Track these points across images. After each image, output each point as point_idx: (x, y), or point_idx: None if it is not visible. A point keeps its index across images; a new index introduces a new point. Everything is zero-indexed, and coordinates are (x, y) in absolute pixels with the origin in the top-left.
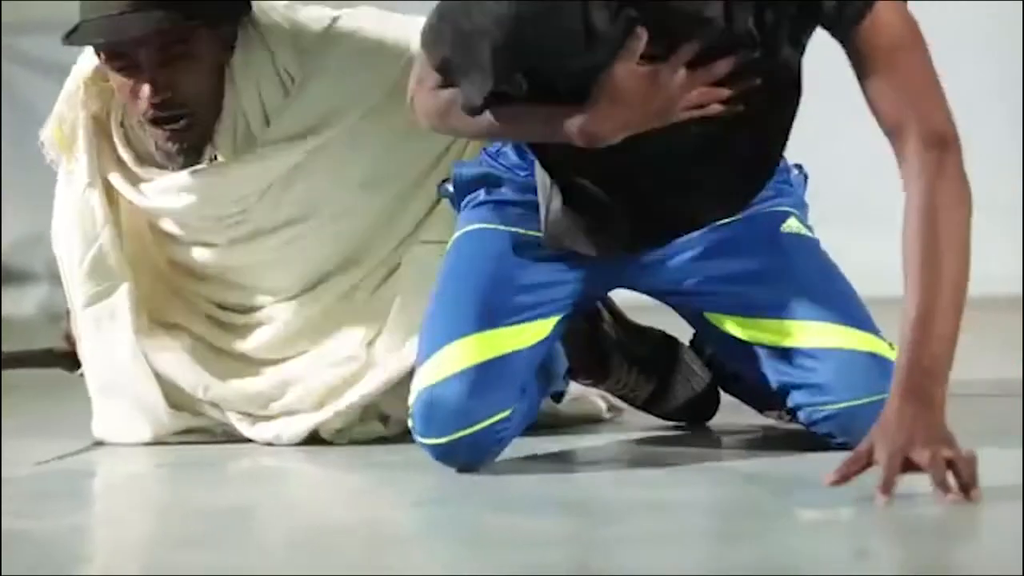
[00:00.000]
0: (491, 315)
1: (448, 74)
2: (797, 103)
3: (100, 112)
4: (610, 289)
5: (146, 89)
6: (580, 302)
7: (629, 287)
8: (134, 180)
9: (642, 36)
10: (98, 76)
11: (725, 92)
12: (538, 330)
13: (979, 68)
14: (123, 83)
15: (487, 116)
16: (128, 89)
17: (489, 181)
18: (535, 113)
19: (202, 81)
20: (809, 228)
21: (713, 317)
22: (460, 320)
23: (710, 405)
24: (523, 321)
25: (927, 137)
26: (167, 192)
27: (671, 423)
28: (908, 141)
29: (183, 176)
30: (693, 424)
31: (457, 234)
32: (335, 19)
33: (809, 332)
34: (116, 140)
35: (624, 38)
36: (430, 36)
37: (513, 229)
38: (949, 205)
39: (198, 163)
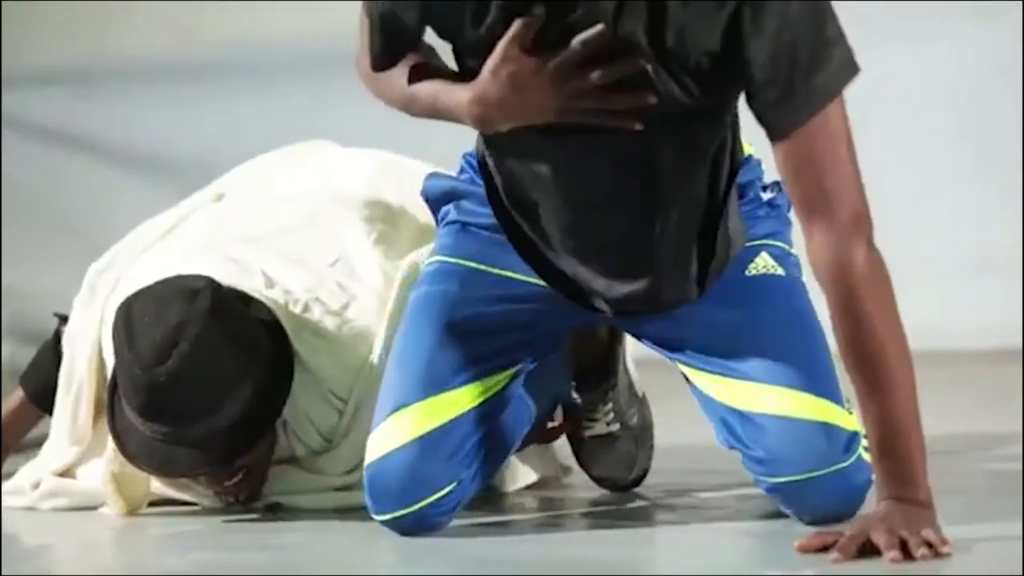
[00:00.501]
0: (436, 380)
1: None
2: (718, 153)
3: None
4: (572, 326)
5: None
6: (541, 344)
7: (593, 322)
8: None
9: (530, 23)
10: None
11: (620, 101)
12: (490, 386)
13: (978, 116)
14: None
15: (402, 84)
16: None
17: (455, 195)
18: (439, 85)
19: (261, 451)
20: (785, 256)
21: (679, 364)
22: (405, 388)
23: (630, 482)
24: (472, 380)
25: (841, 221)
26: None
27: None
28: (819, 222)
29: None
30: (607, 485)
31: (426, 264)
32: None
33: (759, 396)
34: None
35: (510, 21)
36: None
37: (473, 264)
38: (871, 289)
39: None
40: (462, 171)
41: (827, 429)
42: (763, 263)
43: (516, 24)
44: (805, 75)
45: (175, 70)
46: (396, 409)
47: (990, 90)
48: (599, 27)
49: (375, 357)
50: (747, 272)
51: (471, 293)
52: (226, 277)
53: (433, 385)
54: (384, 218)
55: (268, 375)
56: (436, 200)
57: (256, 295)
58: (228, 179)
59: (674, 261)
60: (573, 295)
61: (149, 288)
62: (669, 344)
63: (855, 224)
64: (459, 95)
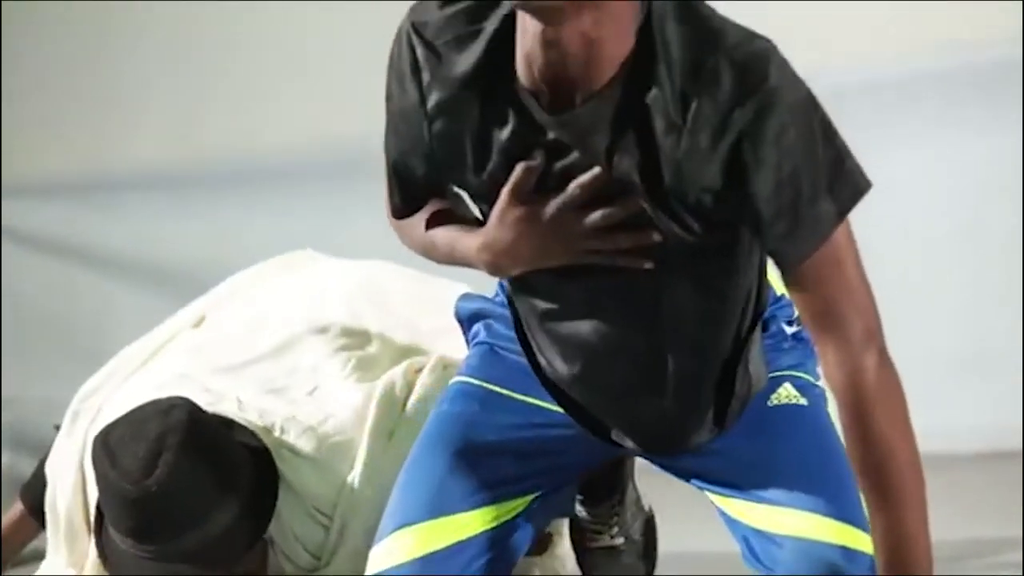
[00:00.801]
0: (446, 502)
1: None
2: (745, 300)
3: None
4: (600, 458)
5: None
6: (562, 473)
7: (617, 455)
8: None
9: (531, 169)
10: None
11: (624, 240)
12: (506, 511)
13: (978, 212)
14: None
15: (421, 232)
16: None
17: (485, 316)
18: (454, 232)
19: (257, 563)
20: (809, 387)
21: (699, 485)
22: (411, 507)
23: None
24: (486, 504)
25: (852, 336)
26: None
27: None
28: (831, 340)
29: None
30: None
31: (451, 383)
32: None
33: (780, 518)
34: None
35: (511, 167)
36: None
37: (497, 388)
38: (883, 401)
39: None
40: (496, 295)
41: (847, 552)
42: (786, 393)
43: (517, 170)
44: (811, 203)
45: (173, 180)
46: (400, 527)
47: (990, 196)
48: (595, 170)
49: (356, 474)
50: (769, 403)
51: (492, 417)
52: (203, 406)
53: (442, 507)
54: (361, 345)
55: (254, 483)
56: (467, 320)
57: (232, 416)
58: (213, 295)
59: (688, 404)
60: (595, 431)
61: (125, 415)
62: (693, 475)
63: (867, 340)
64: (470, 242)
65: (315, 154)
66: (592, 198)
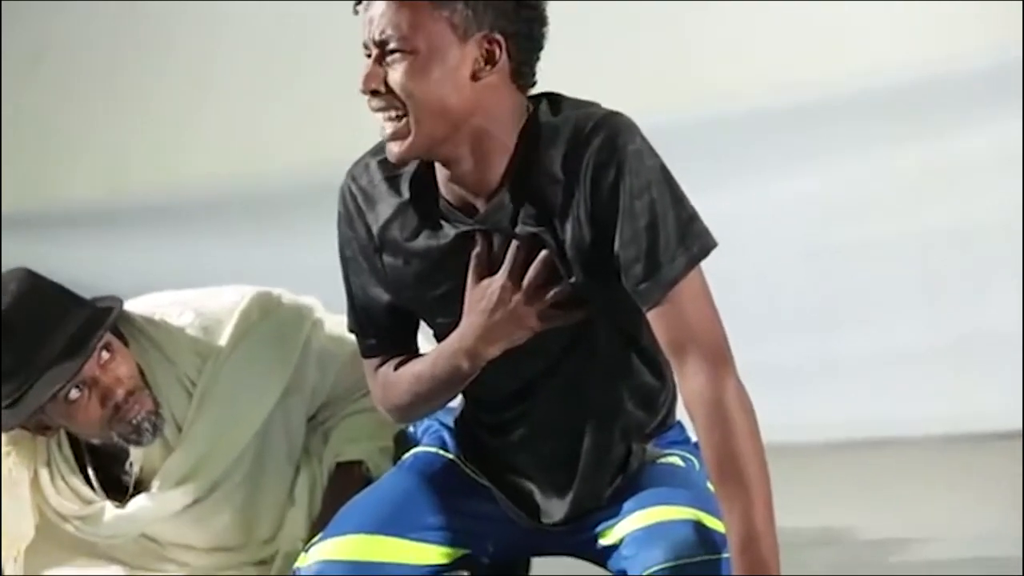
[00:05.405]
0: (394, 523)
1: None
2: (625, 334)
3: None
4: (533, 552)
5: (95, 406)
6: (498, 552)
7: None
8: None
9: (481, 253)
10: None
11: (557, 294)
12: (438, 554)
13: (987, 197)
14: (71, 411)
15: (406, 375)
16: (80, 412)
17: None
18: (432, 353)
19: (131, 366)
20: (692, 466)
21: (601, 547)
22: (363, 518)
23: None
24: (425, 541)
25: (707, 356)
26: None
27: None
28: (688, 360)
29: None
30: None
31: (413, 451)
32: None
33: (635, 520)
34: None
35: (455, 256)
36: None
37: (452, 456)
38: (738, 410)
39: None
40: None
41: (696, 524)
42: (671, 459)
43: (473, 256)
44: (665, 250)
45: (103, 216)
46: (344, 533)
47: (981, 191)
48: (544, 253)
49: (222, 348)
50: (656, 463)
51: (453, 477)
52: None
53: (387, 527)
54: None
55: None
56: (420, 430)
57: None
58: None
59: (608, 436)
60: (522, 504)
61: None
62: (594, 541)
63: (723, 357)
64: (448, 344)
65: (246, 185)
66: (515, 268)
